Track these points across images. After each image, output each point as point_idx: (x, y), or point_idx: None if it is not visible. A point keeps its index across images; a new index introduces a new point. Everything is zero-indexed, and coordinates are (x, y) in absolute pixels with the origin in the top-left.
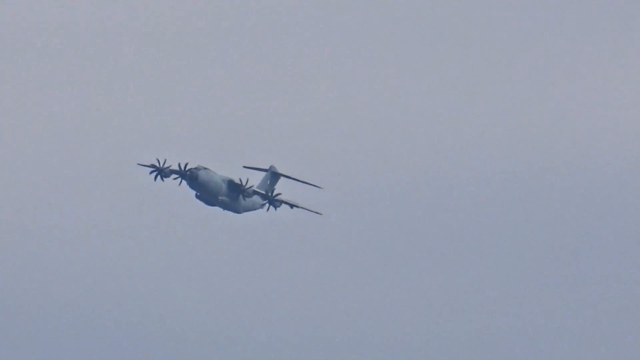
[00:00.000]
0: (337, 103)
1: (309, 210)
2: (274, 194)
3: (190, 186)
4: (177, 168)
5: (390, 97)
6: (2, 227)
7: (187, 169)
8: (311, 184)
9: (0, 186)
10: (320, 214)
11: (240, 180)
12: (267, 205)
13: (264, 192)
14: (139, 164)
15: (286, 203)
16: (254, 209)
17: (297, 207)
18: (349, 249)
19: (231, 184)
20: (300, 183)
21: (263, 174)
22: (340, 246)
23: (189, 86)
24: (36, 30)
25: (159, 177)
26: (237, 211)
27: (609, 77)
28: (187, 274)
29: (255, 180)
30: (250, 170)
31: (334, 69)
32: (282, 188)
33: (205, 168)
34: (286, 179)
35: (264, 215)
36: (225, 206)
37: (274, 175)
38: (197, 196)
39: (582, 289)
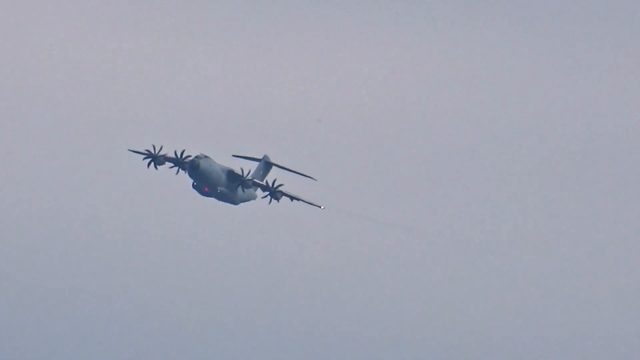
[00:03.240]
0: (331, 93)
1: (309, 203)
2: (275, 186)
3: (190, 175)
4: (172, 155)
5: (387, 87)
6: None
7: (184, 156)
8: (305, 175)
9: None
10: (321, 207)
11: (242, 171)
12: (268, 197)
13: (264, 184)
14: (130, 150)
15: (287, 195)
16: (250, 200)
17: (298, 199)
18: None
19: (231, 174)
20: (294, 174)
21: (255, 163)
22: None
23: (179, 74)
24: (29, 15)
25: (152, 164)
26: (234, 202)
27: None
28: (186, 269)
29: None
30: (240, 159)
31: (329, 58)
32: (273, 179)
33: (206, 156)
34: (279, 169)
35: (264, 207)
36: (223, 197)
37: (267, 165)
38: (194, 186)
39: None
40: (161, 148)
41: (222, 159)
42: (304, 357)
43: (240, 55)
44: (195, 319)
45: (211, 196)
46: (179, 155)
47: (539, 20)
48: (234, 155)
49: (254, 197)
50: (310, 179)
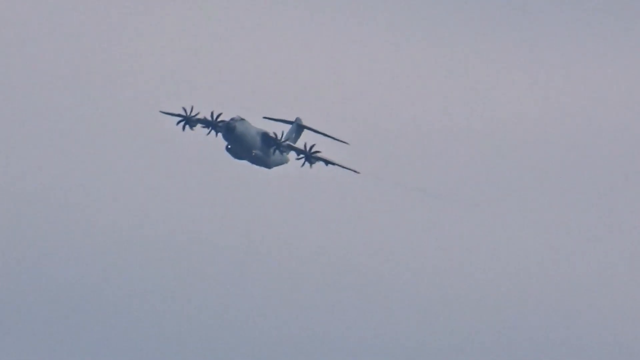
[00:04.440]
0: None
1: (346, 167)
2: (312, 150)
3: (224, 138)
4: (206, 117)
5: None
6: (14, 175)
7: (218, 119)
8: (338, 139)
9: (13, 129)
10: (358, 172)
11: (275, 134)
12: (303, 161)
13: (301, 148)
14: (161, 112)
15: (323, 160)
16: (282, 164)
17: (334, 164)
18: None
19: (265, 136)
20: (326, 138)
21: (286, 126)
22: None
23: (208, 33)
24: None
25: (186, 126)
26: (268, 166)
27: None
28: (218, 234)
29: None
30: (271, 121)
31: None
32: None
33: (242, 119)
34: (311, 132)
35: (297, 171)
36: (257, 160)
37: (299, 128)
38: (227, 148)
39: None
40: (192, 109)
41: (252, 120)
42: (333, 318)
43: (271, 16)
44: (226, 281)
45: (245, 159)
46: (213, 118)
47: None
48: (264, 117)
49: (286, 161)
50: (343, 143)
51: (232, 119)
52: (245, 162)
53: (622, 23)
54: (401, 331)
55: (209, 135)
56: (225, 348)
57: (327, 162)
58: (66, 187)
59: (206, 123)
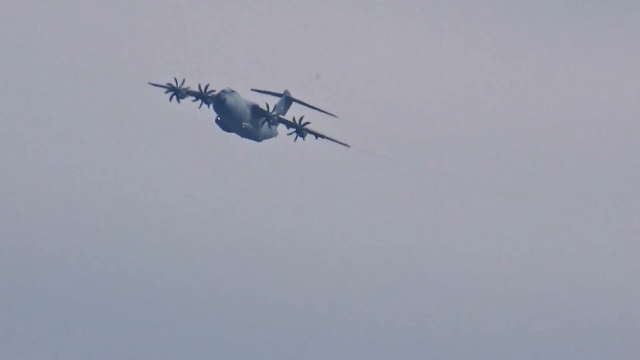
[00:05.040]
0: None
1: (336, 141)
2: (302, 123)
3: (215, 110)
4: (195, 89)
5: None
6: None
7: (208, 90)
8: (326, 112)
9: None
10: (348, 146)
11: (267, 106)
12: (294, 134)
13: (291, 121)
14: (150, 84)
15: (313, 133)
16: (272, 137)
17: (324, 137)
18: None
19: (255, 109)
20: (315, 111)
21: (274, 98)
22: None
23: (197, 5)
24: None
25: (175, 98)
26: (257, 139)
27: None
28: (209, 203)
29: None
30: (259, 94)
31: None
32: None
33: (232, 91)
34: (299, 105)
35: (287, 144)
36: (247, 133)
37: (287, 101)
38: (217, 120)
39: None
40: (183, 81)
41: (240, 93)
42: (324, 299)
43: None
44: (213, 257)
45: (234, 132)
46: (202, 89)
47: None
48: (252, 90)
49: (275, 134)
50: (331, 116)
51: (222, 91)
52: (234, 135)
53: None
54: (390, 306)
55: (200, 107)
56: (209, 326)
57: (317, 135)
58: (57, 160)
59: (195, 95)
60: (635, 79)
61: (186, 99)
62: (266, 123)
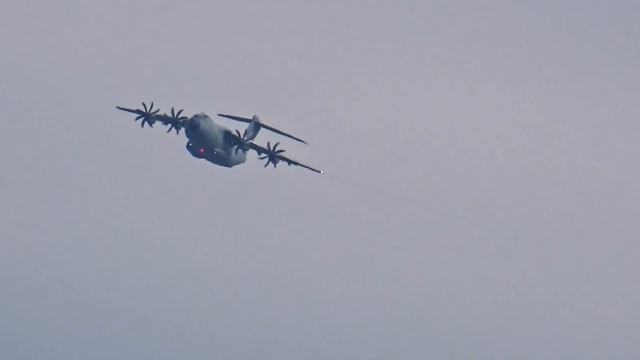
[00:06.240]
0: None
1: (309, 168)
2: (276, 150)
3: (187, 135)
4: (166, 114)
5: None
6: None
7: (180, 116)
8: (296, 139)
9: None
10: (321, 172)
11: (238, 132)
12: (267, 160)
13: (264, 147)
14: (118, 108)
15: (286, 160)
16: (241, 162)
17: (297, 164)
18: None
19: (227, 135)
20: (284, 137)
21: (242, 124)
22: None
23: (163, 29)
24: None
25: (145, 123)
26: (229, 165)
27: None
28: (180, 233)
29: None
30: (227, 119)
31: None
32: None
33: (205, 116)
34: (268, 131)
35: (258, 170)
36: (218, 159)
37: (256, 126)
38: (188, 146)
39: None
40: (152, 105)
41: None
42: (302, 323)
43: (224, 11)
44: (189, 280)
45: (205, 157)
46: (174, 114)
47: None
48: (219, 115)
49: (244, 160)
50: (301, 142)
51: (195, 116)
52: (204, 161)
53: None
54: (372, 325)
55: (169, 132)
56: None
57: (290, 161)
58: (21, 185)
59: (166, 120)
60: None
61: (157, 124)
62: (239, 149)
